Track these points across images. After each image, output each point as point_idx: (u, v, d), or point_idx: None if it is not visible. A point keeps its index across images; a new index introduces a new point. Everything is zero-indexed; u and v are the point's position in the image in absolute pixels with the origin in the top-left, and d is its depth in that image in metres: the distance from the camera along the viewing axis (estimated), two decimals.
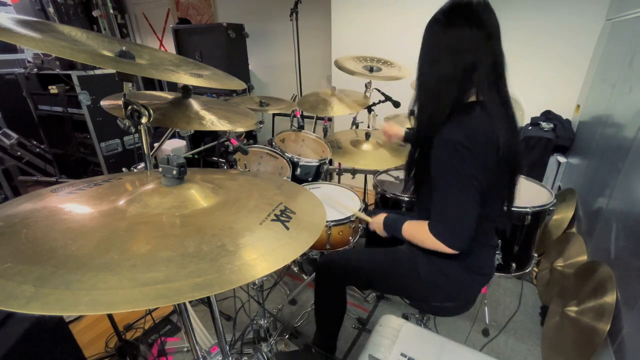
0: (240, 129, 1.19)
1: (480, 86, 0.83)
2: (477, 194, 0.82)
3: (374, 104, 2.02)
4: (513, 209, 1.40)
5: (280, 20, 3.35)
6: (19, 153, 2.99)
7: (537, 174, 2.28)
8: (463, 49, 0.80)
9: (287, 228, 0.55)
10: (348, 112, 1.88)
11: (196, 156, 2.67)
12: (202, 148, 2.53)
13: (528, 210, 1.39)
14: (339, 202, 1.44)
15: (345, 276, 1.15)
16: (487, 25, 0.79)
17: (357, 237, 1.50)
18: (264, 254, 0.48)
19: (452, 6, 0.81)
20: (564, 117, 2.49)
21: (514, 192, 0.97)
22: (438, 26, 0.84)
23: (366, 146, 1.76)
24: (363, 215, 1.29)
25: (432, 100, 0.88)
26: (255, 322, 1.38)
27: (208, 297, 0.83)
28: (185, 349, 1.51)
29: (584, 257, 1.63)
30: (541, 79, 2.51)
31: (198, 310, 1.66)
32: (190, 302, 1.33)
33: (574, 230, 1.94)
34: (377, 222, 1.12)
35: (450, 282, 0.99)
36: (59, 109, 2.73)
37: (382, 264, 1.07)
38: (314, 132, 2.15)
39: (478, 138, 0.80)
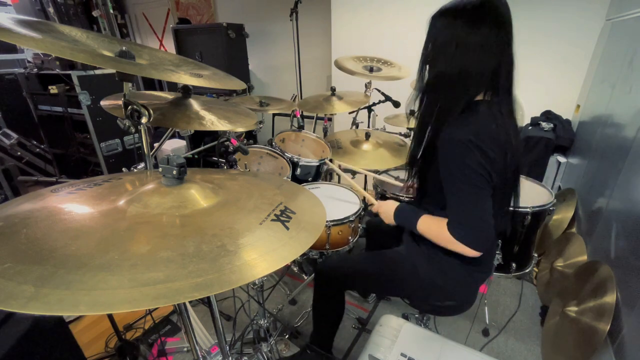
0: (240, 129, 1.20)
1: (495, 87, 0.82)
2: (491, 191, 0.81)
3: (374, 104, 2.02)
4: (513, 209, 1.42)
5: (280, 20, 3.35)
6: (19, 153, 2.99)
7: (537, 174, 2.28)
8: (490, 48, 0.78)
9: (287, 228, 0.55)
10: (348, 109, 1.88)
11: (196, 156, 2.66)
12: (202, 148, 2.53)
13: (528, 210, 1.39)
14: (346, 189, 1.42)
15: (344, 281, 1.15)
16: (510, 28, 0.79)
17: (357, 237, 1.50)
18: (264, 254, 0.48)
19: (483, 3, 0.77)
20: (564, 117, 2.49)
21: (518, 192, 0.97)
22: (463, 20, 0.78)
23: (366, 146, 1.76)
24: (370, 197, 1.27)
25: (447, 93, 0.84)
26: (255, 322, 1.38)
27: (208, 297, 0.83)
28: (185, 349, 1.50)
29: (584, 257, 1.63)
30: (541, 79, 2.51)
31: (198, 310, 1.66)
32: (190, 302, 1.33)
33: (574, 230, 1.94)
34: (387, 209, 1.06)
35: (450, 280, 0.99)
36: (59, 109, 2.74)
37: (381, 267, 1.07)
38: (314, 132, 2.15)
39: (486, 136, 0.78)
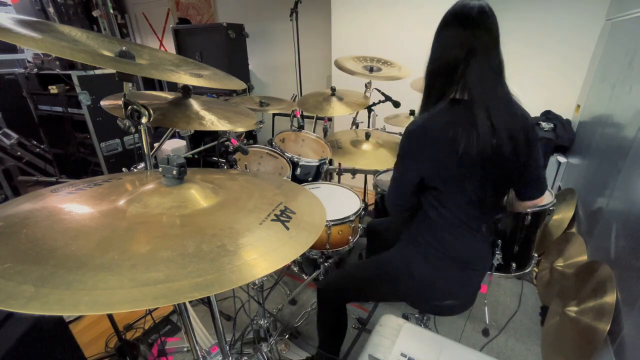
0: (240, 129, 1.19)
1: (465, 85, 0.86)
2: (413, 176, 0.94)
3: (374, 104, 2.02)
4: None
5: (280, 20, 3.35)
6: (19, 153, 2.99)
7: None
8: (455, 41, 0.86)
9: (287, 228, 0.55)
10: (348, 112, 1.88)
11: (196, 156, 2.67)
12: (202, 148, 2.54)
13: (528, 210, 1.39)
14: None
15: (345, 296, 1.17)
16: (476, 26, 0.84)
17: (357, 237, 1.50)
18: (264, 254, 0.48)
19: (451, 8, 0.88)
20: (564, 117, 2.49)
21: (492, 198, 0.95)
22: (439, 26, 0.91)
23: (366, 146, 1.76)
24: None
25: (425, 92, 0.97)
26: (255, 322, 1.38)
27: (208, 297, 0.83)
28: (185, 349, 1.50)
29: (584, 257, 1.63)
30: (541, 79, 2.51)
31: (198, 310, 1.66)
32: (190, 302, 1.33)
33: (574, 230, 1.93)
34: None
35: (445, 279, 0.99)
36: (59, 109, 2.74)
37: (378, 276, 1.08)
38: (314, 132, 2.15)
39: (430, 131, 0.88)
